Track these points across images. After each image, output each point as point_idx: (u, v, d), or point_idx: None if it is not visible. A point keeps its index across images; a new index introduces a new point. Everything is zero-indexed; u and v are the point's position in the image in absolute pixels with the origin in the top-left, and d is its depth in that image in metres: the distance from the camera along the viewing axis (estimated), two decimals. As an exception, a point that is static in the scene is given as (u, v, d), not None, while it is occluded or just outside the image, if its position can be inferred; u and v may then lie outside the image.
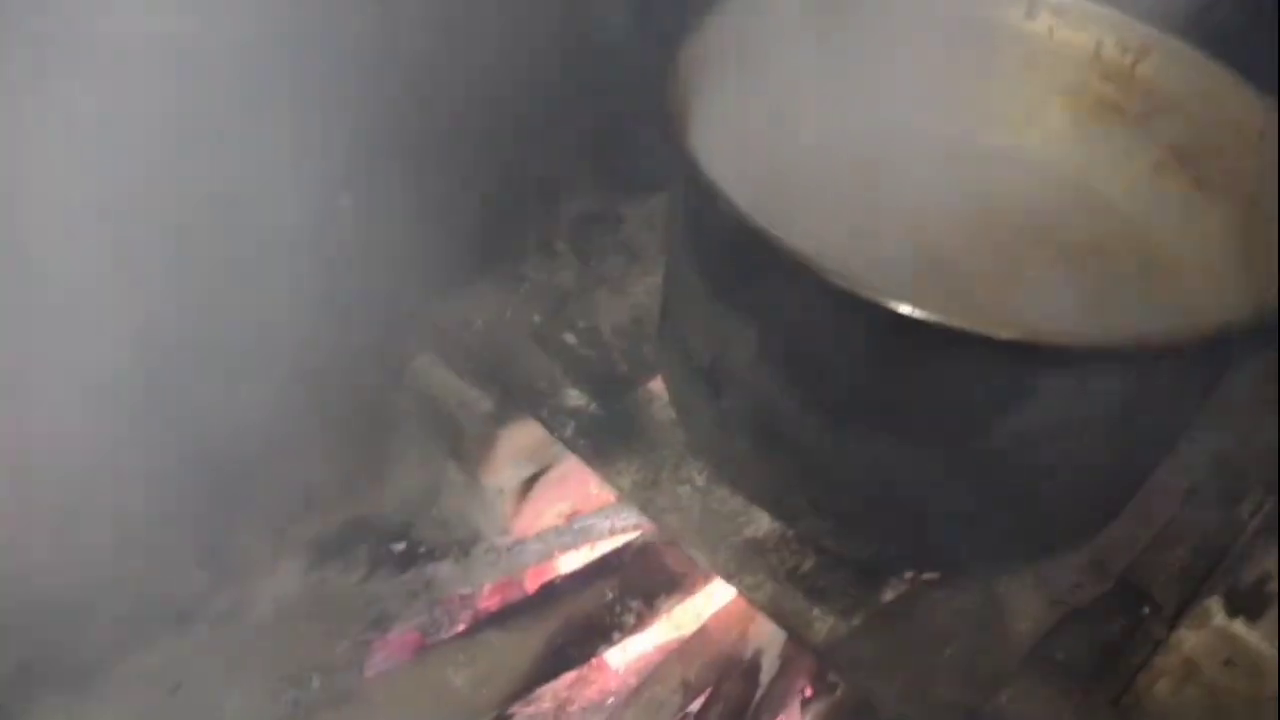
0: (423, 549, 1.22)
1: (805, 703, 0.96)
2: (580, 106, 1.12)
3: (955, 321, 0.59)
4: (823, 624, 0.82)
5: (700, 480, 0.92)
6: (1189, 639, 0.87)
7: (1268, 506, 0.96)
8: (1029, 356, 0.61)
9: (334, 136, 0.90)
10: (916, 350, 0.64)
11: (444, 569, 1.18)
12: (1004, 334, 0.59)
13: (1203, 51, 0.89)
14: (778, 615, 0.83)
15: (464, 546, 1.18)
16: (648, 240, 1.13)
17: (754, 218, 0.64)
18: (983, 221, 0.96)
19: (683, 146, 0.69)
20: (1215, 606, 0.88)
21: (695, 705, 0.96)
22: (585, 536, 1.10)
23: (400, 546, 1.21)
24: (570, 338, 1.02)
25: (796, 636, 0.83)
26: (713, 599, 1.02)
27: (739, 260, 0.69)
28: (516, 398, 0.99)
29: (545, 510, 1.14)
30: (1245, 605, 0.87)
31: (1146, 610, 0.86)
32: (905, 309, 0.60)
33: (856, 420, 0.72)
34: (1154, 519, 0.92)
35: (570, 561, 1.11)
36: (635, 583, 1.01)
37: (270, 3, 0.83)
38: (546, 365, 1.00)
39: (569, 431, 0.95)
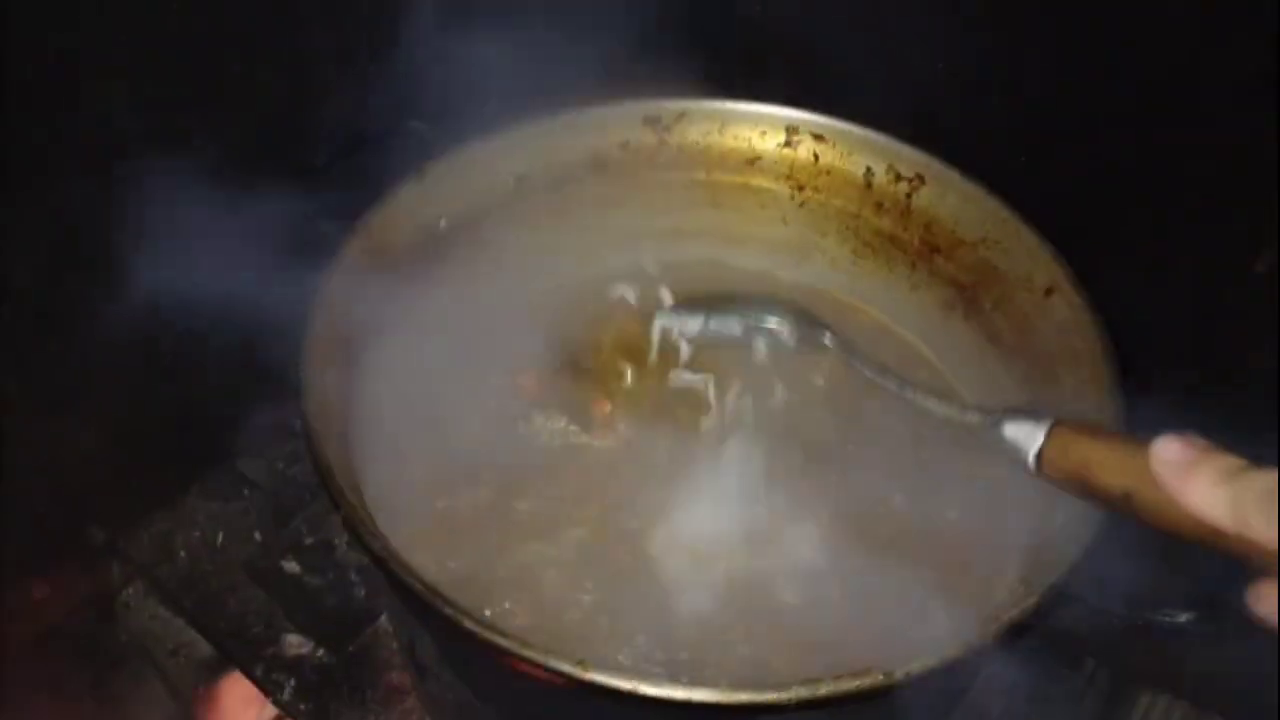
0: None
1: None
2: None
3: (605, 680, 0.45)
4: None
5: (450, 741, 0.77)
6: None
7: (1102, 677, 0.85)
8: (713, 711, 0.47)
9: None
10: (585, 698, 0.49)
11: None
12: (684, 696, 0.45)
13: (981, 184, 0.77)
14: None
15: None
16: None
17: (380, 545, 0.49)
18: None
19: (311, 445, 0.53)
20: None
21: None
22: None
23: (148, 795, 1.04)
24: (293, 565, 0.85)
25: None
26: None
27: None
28: (227, 648, 0.82)
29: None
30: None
31: None
32: (561, 667, 0.45)
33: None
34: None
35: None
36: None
37: None
38: (263, 604, 0.83)
39: (286, 693, 0.79)
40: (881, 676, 0.45)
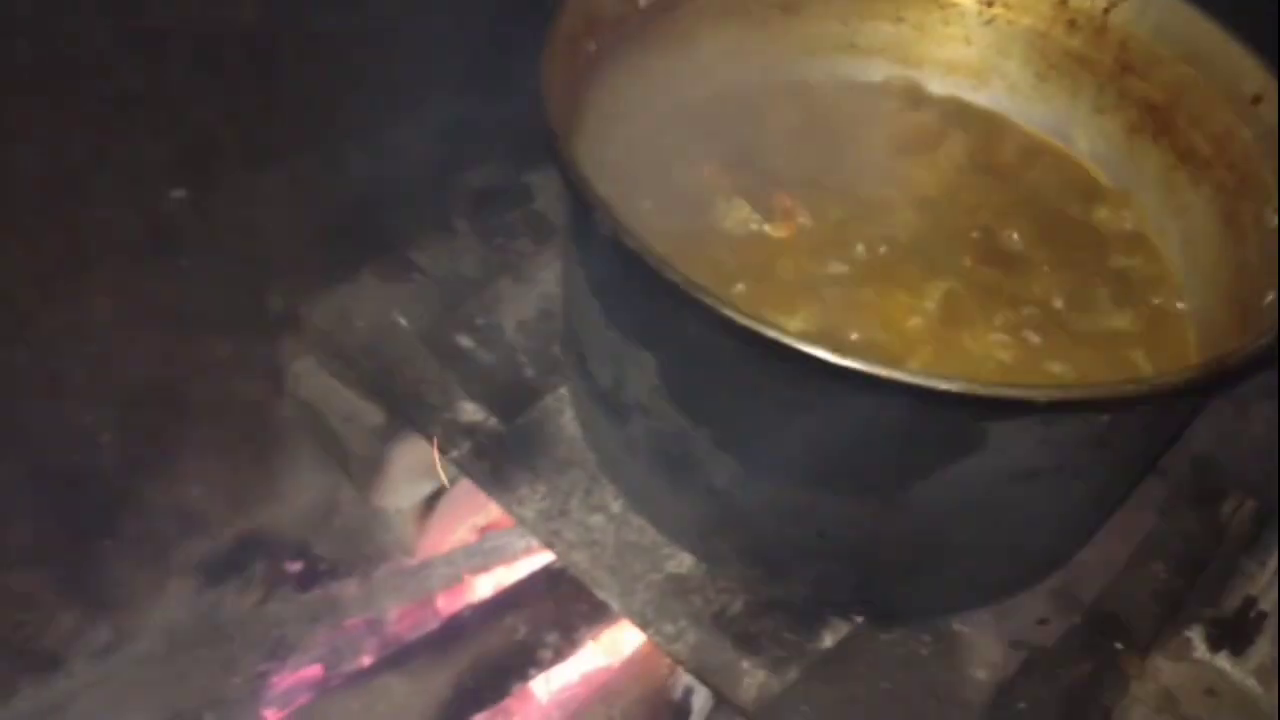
0: (323, 566, 1.10)
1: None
2: (480, 62, 0.97)
3: (887, 372, 0.47)
4: (752, 680, 0.72)
5: (616, 506, 0.80)
6: (1167, 669, 0.77)
7: (1249, 509, 0.86)
8: (972, 407, 0.49)
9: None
10: (839, 397, 0.51)
11: (348, 589, 1.07)
12: (941, 385, 0.47)
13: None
14: (701, 671, 0.72)
15: (367, 566, 1.06)
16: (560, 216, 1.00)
17: (650, 250, 0.51)
18: (931, 179, 0.84)
19: (562, 156, 0.55)
20: (1196, 638, 0.78)
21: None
22: (497, 556, 0.98)
23: (298, 565, 1.09)
24: (466, 340, 0.88)
25: (723, 696, 0.72)
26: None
27: (634, 288, 0.56)
28: (403, 412, 0.86)
29: (454, 527, 1.03)
30: (1229, 638, 0.77)
31: (1119, 646, 0.76)
32: (827, 355, 0.48)
33: (775, 466, 0.60)
34: (1129, 535, 0.82)
35: (483, 584, 1.00)
36: (550, 614, 0.90)
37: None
38: (438, 373, 0.87)
39: (463, 452, 0.82)
40: (1134, 385, 0.47)
